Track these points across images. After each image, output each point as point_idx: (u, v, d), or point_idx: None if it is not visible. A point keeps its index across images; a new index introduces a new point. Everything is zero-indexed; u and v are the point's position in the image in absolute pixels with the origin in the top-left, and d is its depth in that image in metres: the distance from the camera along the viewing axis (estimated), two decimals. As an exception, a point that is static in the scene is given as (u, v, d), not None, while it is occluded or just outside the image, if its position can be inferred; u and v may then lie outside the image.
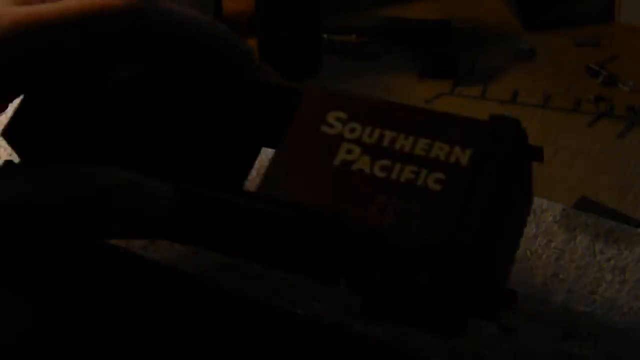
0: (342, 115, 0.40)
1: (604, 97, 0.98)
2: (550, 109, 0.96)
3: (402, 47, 1.07)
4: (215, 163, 0.43)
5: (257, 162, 0.45)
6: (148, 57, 0.40)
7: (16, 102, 0.41)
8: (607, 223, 0.47)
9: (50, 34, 0.36)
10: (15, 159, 0.42)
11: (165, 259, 0.48)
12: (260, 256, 0.41)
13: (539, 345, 0.43)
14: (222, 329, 0.44)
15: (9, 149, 0.53)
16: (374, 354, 0.43)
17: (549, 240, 0.46)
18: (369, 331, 0.44)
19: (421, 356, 0.43)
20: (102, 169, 0.36)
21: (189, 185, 0.39)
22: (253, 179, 0.45)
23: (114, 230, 0.37)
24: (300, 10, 0.99)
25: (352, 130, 0.40)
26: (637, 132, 0.93)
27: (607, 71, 1.01)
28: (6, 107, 0.39)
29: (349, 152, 0.39)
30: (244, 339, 0.44)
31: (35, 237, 0.35)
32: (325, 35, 1.05)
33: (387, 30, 1.09)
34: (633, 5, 1.08)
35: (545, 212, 0.48)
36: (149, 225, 0.37)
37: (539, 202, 0.47)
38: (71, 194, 0.35)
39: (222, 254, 0.43)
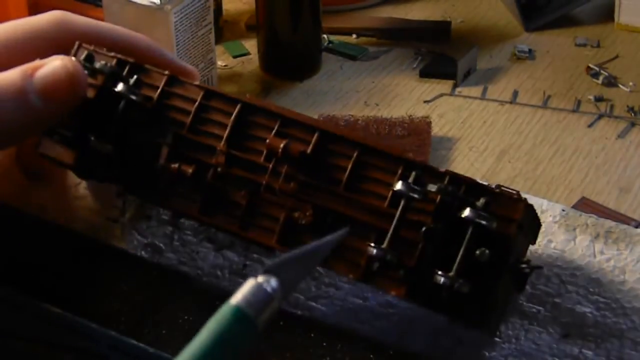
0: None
1: (604, 97, 0.98)
2: (550, 109, 0.96)
3: (402, 47, 1.07)
4: None
5: None
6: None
7: None
8: (607, 223, 0.47)
9: None
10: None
11: (166, 259, 0.48)
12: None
13: (539, 345, 0.43)
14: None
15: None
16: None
17: (549, 241, 0.47)
18: (368, 333, 0.44)
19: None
20: None
21: None
22: None
23: None
24: (301, 11, 0.99)
25: None
26: (637, 132, 0.93)
27: (607, 72, 1.01)
28: None
29: None
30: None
31: None
32: (325, 36, 1.06)
33: (387, 31, 1.09)
34: (633, 6, 1.08)
35: (545, 213, 0.48)
36: None
37: (539, 203, 0.47)
38: None
39: None
